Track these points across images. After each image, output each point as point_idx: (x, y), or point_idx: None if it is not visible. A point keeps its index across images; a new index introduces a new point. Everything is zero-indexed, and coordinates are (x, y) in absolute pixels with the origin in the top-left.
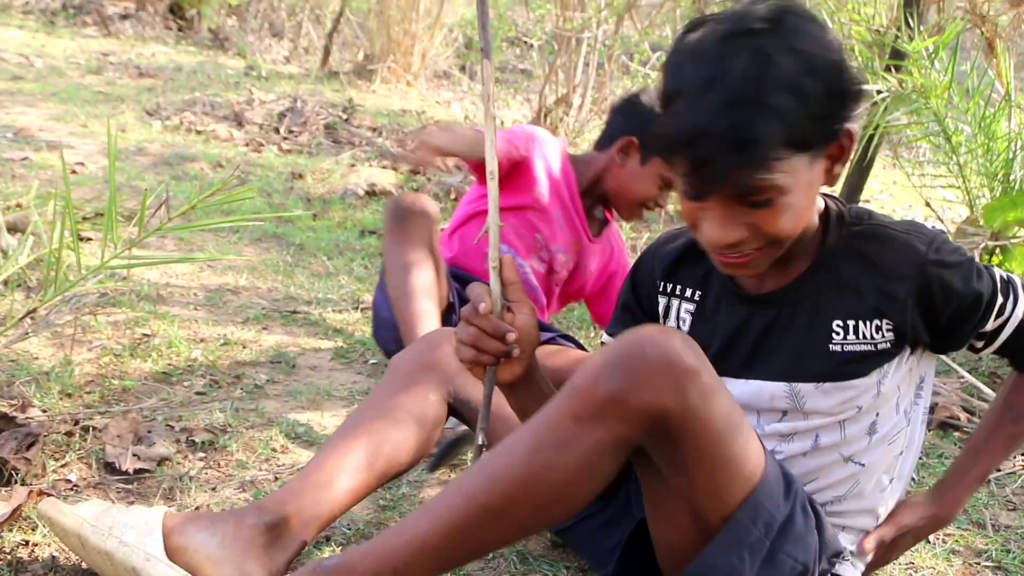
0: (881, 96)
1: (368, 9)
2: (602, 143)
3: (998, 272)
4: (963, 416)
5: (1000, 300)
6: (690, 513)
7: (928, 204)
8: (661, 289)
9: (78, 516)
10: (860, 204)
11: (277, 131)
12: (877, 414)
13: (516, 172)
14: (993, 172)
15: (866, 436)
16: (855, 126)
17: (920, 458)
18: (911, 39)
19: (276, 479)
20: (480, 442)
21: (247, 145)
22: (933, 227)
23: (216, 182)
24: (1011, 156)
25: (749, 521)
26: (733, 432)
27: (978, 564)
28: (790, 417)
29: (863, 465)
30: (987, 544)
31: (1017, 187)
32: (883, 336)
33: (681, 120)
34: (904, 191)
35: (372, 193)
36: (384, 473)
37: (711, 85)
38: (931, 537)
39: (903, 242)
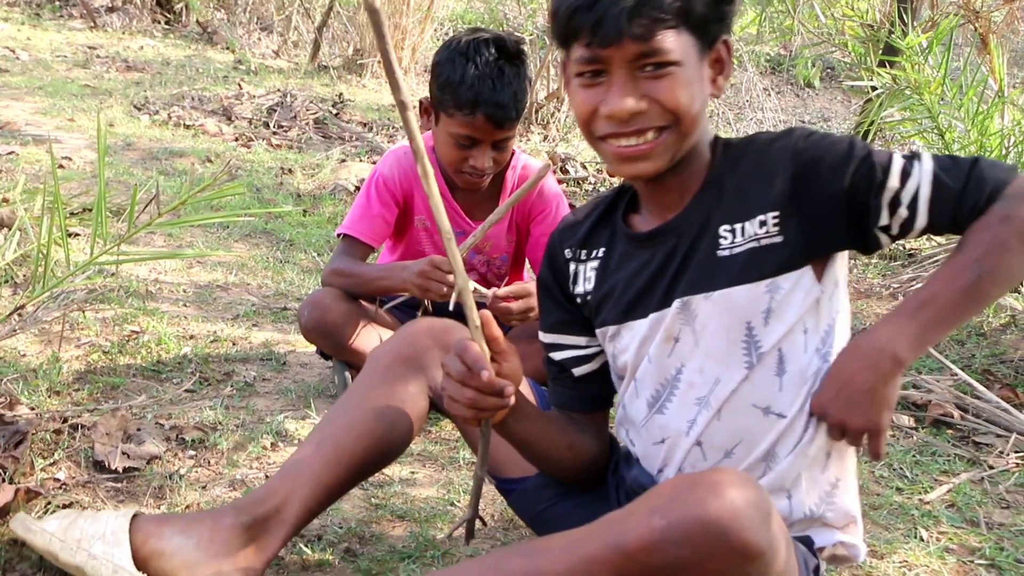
0: (875, 92)
1: (358, 3)
2: None
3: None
4: (956, 414)
5: (897, 163)
6: None
7: None
8: (570, 257)
9: (46, 532)
10: None
11: (267, 126)
12: (780, 351)
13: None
14: None
15: (775, 377)
16: (730, 39)
17: (914, 456)
18: (905, 35)
19: (266, 477)
20: (479, 481)
21: (236, 140)
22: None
23: (205, 177)
24: (1004, 152)
25: None
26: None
27: (972, 562)
28: (683, 345)
29: (784, 416)
30: (981, 542)
31: None
32: (767, 231)
33: None
34: None
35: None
36: (364, 468)
37: None
38: (924, 535)
39: (775, 139)
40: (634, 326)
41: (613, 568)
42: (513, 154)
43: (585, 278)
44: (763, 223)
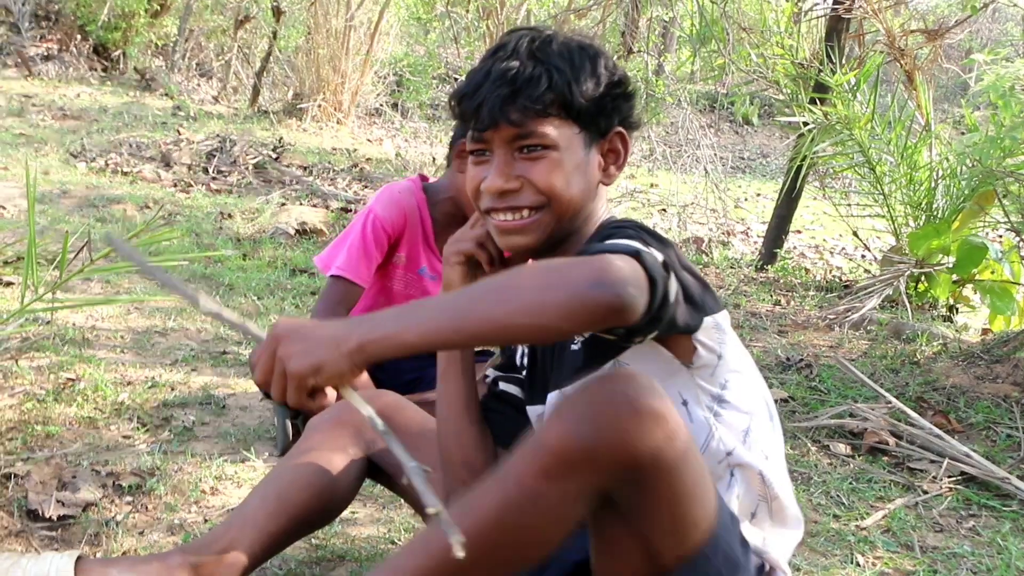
0: (807, 128)
1: (296, 48)
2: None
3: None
4: (891, 441)
5: None
6: (645, 553)
7: (856, 234)
8: None
9: None
10: (790, 234)
11: (206, 171)
12: None
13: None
14: (916, 201)
15: None
16: (627, 131)
17: (851, 483)
18: (834, 72)
19: (206, 521)
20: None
21: (175, 186)
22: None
23: (142, 223)
24: (933, 185)
25: (711, 554)
26: (696, 472)
27: None
28: None
29: None
30: (915, 565)
31: (940, 216)
32: None
33: (471, 75)
34: (834, 222)
35: (303, 232)
36: (308, 519)
37: (497, 50)
38: (860, 560)
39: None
40: (532, 410)
41: (541, 471)
42: None
43: (522, 352)
44: None
